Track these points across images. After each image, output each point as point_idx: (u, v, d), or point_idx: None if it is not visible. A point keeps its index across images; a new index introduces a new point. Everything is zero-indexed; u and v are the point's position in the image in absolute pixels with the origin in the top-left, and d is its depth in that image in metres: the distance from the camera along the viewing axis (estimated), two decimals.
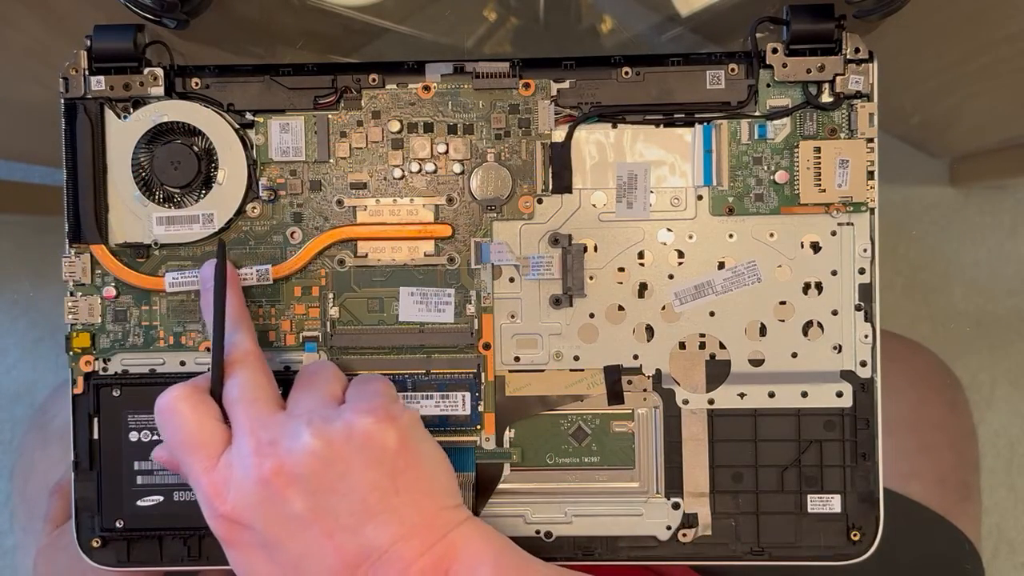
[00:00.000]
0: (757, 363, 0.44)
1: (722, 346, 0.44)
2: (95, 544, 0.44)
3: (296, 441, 0.37)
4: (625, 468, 0.44)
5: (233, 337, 0.40)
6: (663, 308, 0.44)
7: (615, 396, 0.44)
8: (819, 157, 0.43)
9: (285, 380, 0.42)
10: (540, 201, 0.44)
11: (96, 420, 0.44)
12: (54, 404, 0.58)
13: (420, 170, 0.44)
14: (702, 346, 0.44)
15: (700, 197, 0.44)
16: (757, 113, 0.43)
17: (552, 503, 0.44)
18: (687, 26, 0.47)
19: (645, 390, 0.44)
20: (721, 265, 0.44)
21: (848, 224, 0.43)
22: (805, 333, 0.43)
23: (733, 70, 0.43)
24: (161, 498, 0.44)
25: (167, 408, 0.38)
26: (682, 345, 0.44)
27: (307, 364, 0.43)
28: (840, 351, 0.43)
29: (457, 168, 0.44)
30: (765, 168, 0.43)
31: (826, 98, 0.43)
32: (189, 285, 0.44)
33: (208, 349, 0.44)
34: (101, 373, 0.44)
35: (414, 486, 0.37)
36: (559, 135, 0.44)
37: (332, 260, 0.44)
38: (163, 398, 0.38)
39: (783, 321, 0.43)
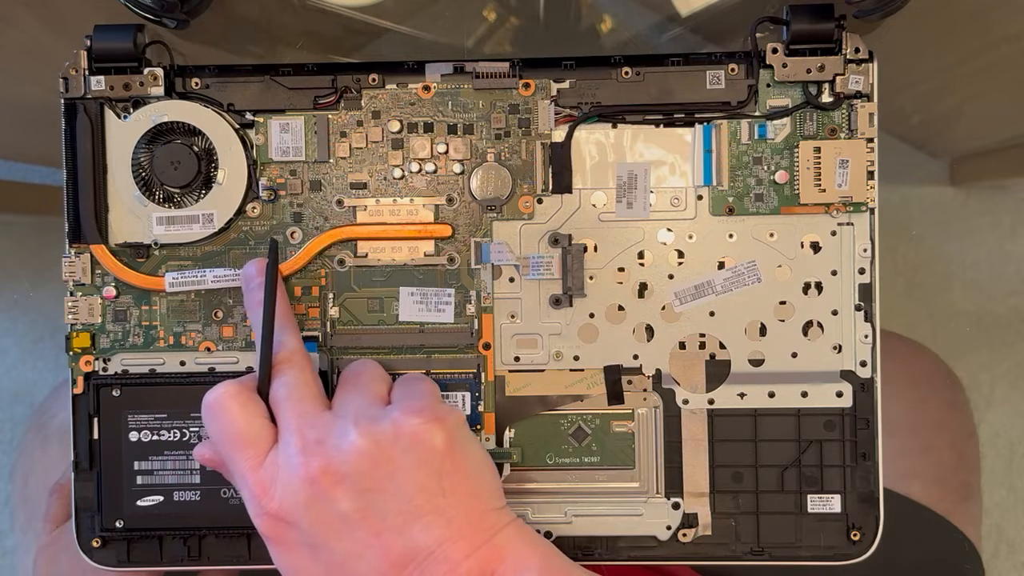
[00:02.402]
0: (757, 363, 0.44)
1: (722, 346, 0.44)
2: (95, 544, 0.44)
3: (343, 440, 0.37)
4: (625, 468, 0.44)
5: (280, 337, 0.40)
6: (663, 308, 0.44)
7: (615, 396, 0.44)
8: (819, 157, 0.43)
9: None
10: (540, 201, 0.44)
11: (96, 420, 0.44)
12: (54, 404, 0.58)
13: (420, 170, 0.44)
14: (702, 346, 0.44)
15: (700, 197, 0.44)
16: (757, 113, 0.43)
17: (552, 503, 0.44)
18: (687, 26, 0.47)
19: (645, 390, 0.44)
20: (721, 265, 0.44)
21: (848, 224, 0.43)
22: (805, 333, 0.43)
23: (733, 70, 0.43)
24: (161, 498, 0.44)
25: (215, 404, 0.38)
26: (682, 345, 0.44)
27: (351, 364, 0.43)
28: (840, 351, 0.43)
29: (457, 168, 0.44)
30: (765, 168, 0.43)
31: (826, 98, 0.43)
32: (189, 285, 0.44)
33: (208, 349, 0.44)
34: (101, 373, 0.44)
35: (461, 487, 0.37)
36: (559, 135, 0.44)
37: (332, 260, 0.44)
38: (211, 395, 0.38)
39: (783, 321, 0.43)
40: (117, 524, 0.44)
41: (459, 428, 0.38)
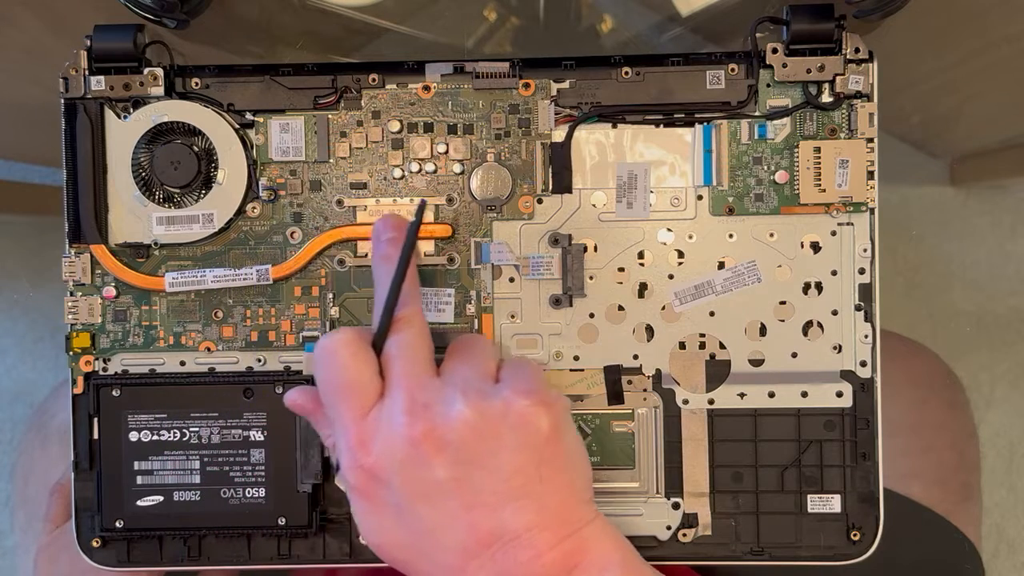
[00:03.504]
0: (757, 363, 0.44)
1: (722, 346, 0.44)
2: (95, 544, 0.44)
3: (451, 408, 0.37)
4: (625, 468, 0.44)
5: (402, 296, 0.40)
6: (663, 308, 0.44)
7: (615, 396, 0.44)
8: (819, 157, 0.43)
9: (289, 381, 0.42)
10: (540, 201, 0.44)
11: (96, 420, 0.44)
12: (53, 404, 0.58)
13: (420, 170, 0.44)
14: (702, 346, 0.44)
15: (700, 197, 0.44)
16: (757, 113, 0.43)
17: None
18: (687, 26, 0.47)
19: (645, 390, 0.44)
20: (721, 265, 0.44)
21: (848, 224, 0.43)
22: (805, 333, 0.43)
23: (733, 70, 0.43)
24: (161, 498, 0.44)
25: (328, 349, 0.38)
26: (682, 345, 0.44)
27: (463, 336, 0.43)
28: (840, 351, 0.43)
29: (457, 168, 0.44)
30: (765, 168, 0.43)
31: (826, 98, 0.43)
32: (189, 285, 0.44)
33: (208, 349, 0.44)
34: (101, 373, 0.44)
35: (557, 476, 0.37)
36: (559, 135, 0.44)
37: (332, 260, 0.44)
38: (326, 339, 0.38)
39: (783, 321, 0.43)
40: (117, 524, 0.44)
41: (564, 417, 0.38)
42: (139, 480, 0.44)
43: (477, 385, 0.38)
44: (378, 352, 0.39)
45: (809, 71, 0.43)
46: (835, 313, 0.43)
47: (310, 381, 0.43)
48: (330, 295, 0.44)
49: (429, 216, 0.44)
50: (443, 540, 0.36)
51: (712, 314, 0.44)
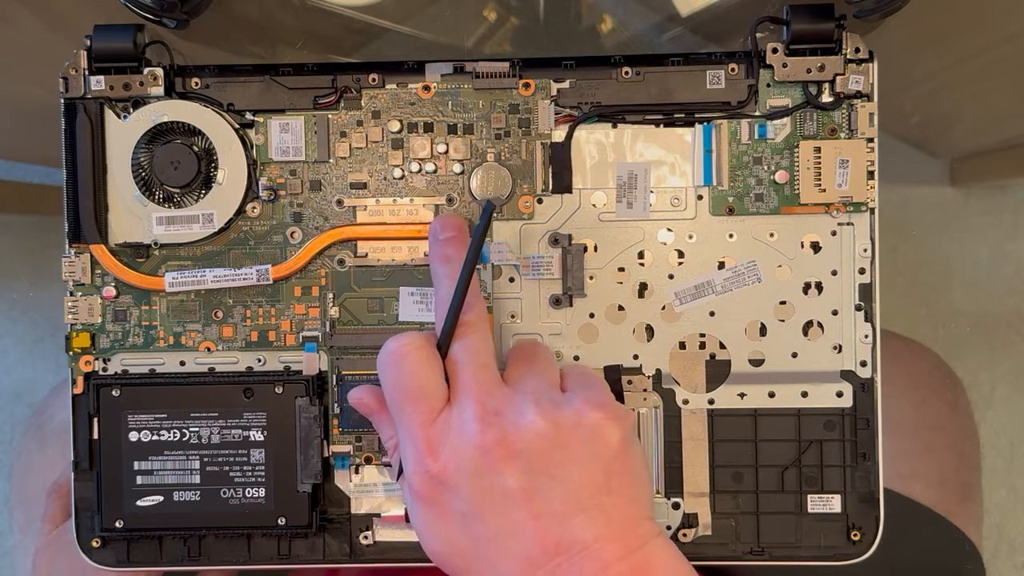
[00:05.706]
0: (757, 363, 0.44)
1: (722, 346, 0.44)
2: (95, 544, 0.44)
3: (522, 417, 0.37)
4: None
5: (468, 299, 0.39)
6: (663, 308, 0.44)
7: (615, 396, 0.44)
8: (819, 157, 0.43)
9: (289, 381, 0.42)
10: (540, 201, 0.44)
11: (96, 420, 0.44)
12: (52, 404, 0.57)
13: (420, 170, 0.44)
14: (702, 346, 0.44)
15: (700, 197, 0.44)
16: (757, 113, 0.43)
17: None
18: (687, 26, 0.47)
19: (645, 390, 0.44)
20: (721, 265, 0.44)
21: (848, 224, 0.43)
22: (805, 333, 0.43)
23: (733, 70, 0.43)
24: (161, 498, 0.44)
25: (398, 352, 0.38)
26: (682, 345, 0.44)
27: (523, 342, 0.42)
28: (840, 351, 0.43)
29: (457, 168, 0.44)
30: (765, 168, 0.43)
31: (826, 98, 0.43)
32: (189, 285, 0.44)
33: (208, 349, 0.44)
34: (101, 373, 0.44)
35: (625, 490, 0.37)
36: (559, 135, 0.44)
37: (332, 260, 0.44)
38: (395, 343, 0.38)
39: (783, 321, 0.43)
40: (117, 524, 0.44)
41: (632, 431, 0.39)
42: (139, 480, 0.44)
43: (548, 395, 0.38)
44: (443, 355, 0.39)
45: (809, 71, 0.43)
46: (835, 313, 0.43)
47: (311, 381, 0.43)
48: (330, 295, 0.44)
49: (429, 216, 0.44)
50: (508, 549, 0.36)
51: (712, 314, 0.44)
